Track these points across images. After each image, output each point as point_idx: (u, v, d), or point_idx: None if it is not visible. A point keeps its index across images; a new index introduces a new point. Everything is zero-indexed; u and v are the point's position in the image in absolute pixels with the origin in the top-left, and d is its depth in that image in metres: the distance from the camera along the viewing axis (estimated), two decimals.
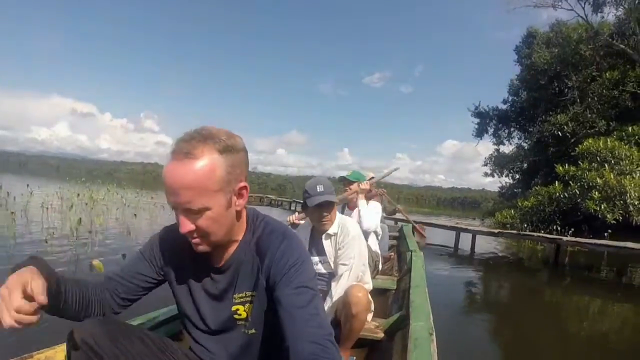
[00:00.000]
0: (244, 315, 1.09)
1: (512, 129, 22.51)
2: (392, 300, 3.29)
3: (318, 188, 2.17)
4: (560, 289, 7.16)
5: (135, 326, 1.14)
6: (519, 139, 22.28)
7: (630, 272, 8.83)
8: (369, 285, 2.44)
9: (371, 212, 3.35)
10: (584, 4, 17.29)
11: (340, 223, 2.30)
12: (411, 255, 3.66)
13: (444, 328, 1.70)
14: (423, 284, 2.56)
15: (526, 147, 20.16)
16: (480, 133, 22.94)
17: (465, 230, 11.00)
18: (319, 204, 2.15)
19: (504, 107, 22.28)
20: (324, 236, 2.29)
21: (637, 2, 15.74)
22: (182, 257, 1.12)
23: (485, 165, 21.36)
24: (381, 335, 2.27)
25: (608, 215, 10.80)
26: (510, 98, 22.24)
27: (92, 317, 1.03)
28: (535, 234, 10.54)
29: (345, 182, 3.61)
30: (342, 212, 3.37)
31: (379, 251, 3.57)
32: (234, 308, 1.09)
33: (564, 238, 9.08)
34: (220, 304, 1.10)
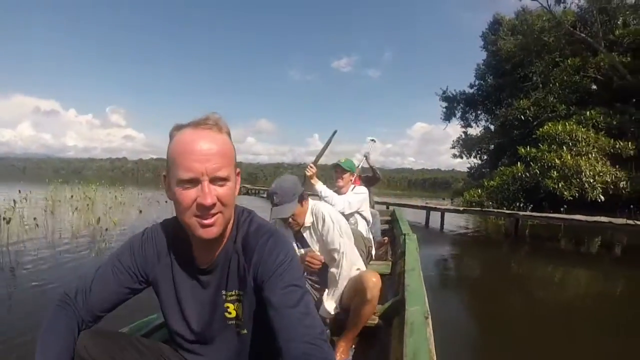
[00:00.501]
0: (234, 314, 1.06)
1: (479, 112, 23.12)
2: (388, 285, 3.24)
3: (275, 198, 2.07)
4: (525, 260, 7.69)
5: (129, 334, 1.17)
6: (486, 121, 22.93)
7: (587, 243, 9.59)
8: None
9: (343, 196, 3.40)
10: None
11: (312, 210, 2.25)
12: (404, 238, 3.65)
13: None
14: (417, 266, 2.53)
15: (493, 130, 20.67)
16: (448, 116, 23.56)
17: (435, 209, 11.76)
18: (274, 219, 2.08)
19: (471, 91, 22.88)
20: (302, 229, 2.26)
21: None
22: (167, 261, 1.08)
23: (454, 147, 21.89)
24: (377, 321, 2.24)
25: (565, 193, 11.61)
26: (477, 82, 22.83)
27: (84, 330, 1.01)
28: (495, 210, 11.30)
29: (338, 169, 3.54)
30: None
31: (370, 237, 3.49)
32: (225, 305, 1.06)
33: (521, 213, 9.90)
34: (211, 307, 1.07)
